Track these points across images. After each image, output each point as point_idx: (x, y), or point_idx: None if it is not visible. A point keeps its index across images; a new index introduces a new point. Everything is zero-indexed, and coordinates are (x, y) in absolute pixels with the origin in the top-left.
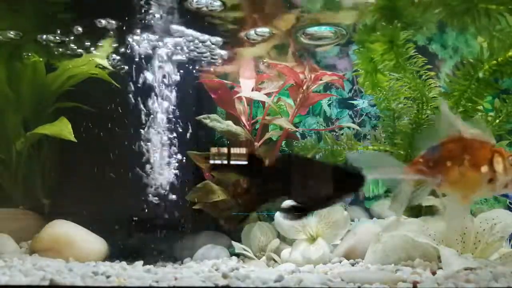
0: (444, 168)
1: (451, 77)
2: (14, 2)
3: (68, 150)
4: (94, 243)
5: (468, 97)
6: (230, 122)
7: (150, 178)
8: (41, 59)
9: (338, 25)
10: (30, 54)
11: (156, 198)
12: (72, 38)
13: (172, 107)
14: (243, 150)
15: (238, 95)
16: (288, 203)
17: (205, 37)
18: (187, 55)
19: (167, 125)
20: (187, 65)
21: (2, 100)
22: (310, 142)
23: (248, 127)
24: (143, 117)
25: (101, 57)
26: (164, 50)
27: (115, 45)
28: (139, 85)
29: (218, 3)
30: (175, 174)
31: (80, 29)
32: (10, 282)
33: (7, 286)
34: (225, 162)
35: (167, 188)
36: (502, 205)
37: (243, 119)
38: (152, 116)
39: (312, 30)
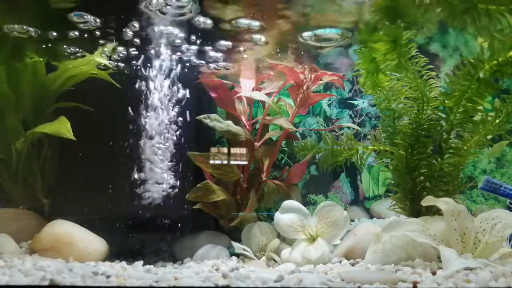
0: None
1: (452, 77)
2: None
3: (69, 150)
4: (94, 243)
5: (468, 97)
6: (230, 122)
7: (151, 177)
8: (41, 59)
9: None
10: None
11: (157, 197)
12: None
13: (174, 107)
14: None
15: (238, 95)
16: (287, 203)
17: None
18: None
19: (169, 125)
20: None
21: (2, 100)
22: (310, 142)
23: (248, 127)
24: (144, 116)
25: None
26: None
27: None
28: (141, 85)
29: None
30: (177, 174)
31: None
32: (10, 282)
33: (7, 286)
34: None
35: (168, 187)
36: (502, 205)
37: (243, 119)
38: (154, 116)
39: (319, 32)
